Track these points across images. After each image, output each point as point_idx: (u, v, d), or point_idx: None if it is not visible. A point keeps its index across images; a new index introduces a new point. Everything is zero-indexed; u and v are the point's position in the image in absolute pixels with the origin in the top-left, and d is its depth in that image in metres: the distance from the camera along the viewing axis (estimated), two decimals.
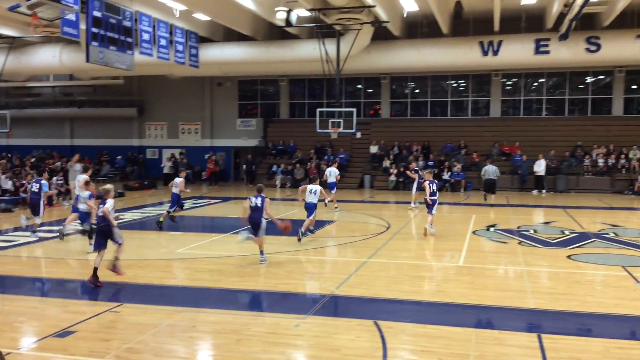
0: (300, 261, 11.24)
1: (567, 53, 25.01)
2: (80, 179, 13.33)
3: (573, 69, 29.02)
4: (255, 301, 8.57)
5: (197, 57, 25.04)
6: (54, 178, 21.89)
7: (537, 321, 7.64)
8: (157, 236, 14.23)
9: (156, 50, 21.20)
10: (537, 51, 25.08)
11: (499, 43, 25.39)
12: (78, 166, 18.74)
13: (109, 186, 9.42)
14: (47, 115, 35.19)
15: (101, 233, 9.18)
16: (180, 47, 22.88)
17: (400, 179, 26.60)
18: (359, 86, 32.92)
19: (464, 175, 26.42)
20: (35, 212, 13.76)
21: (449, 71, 30.03)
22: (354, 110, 24.03)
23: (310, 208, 13.64)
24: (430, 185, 14.03)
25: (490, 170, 20.95)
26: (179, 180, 15.17)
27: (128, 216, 17.40)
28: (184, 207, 17.05)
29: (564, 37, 23.55)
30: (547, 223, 16.85)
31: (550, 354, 6.30)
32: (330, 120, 23.80)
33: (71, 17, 16.31)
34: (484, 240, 13.57)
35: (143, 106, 34.77)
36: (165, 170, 30.53)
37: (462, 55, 26.01)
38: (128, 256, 12.01)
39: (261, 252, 10.88)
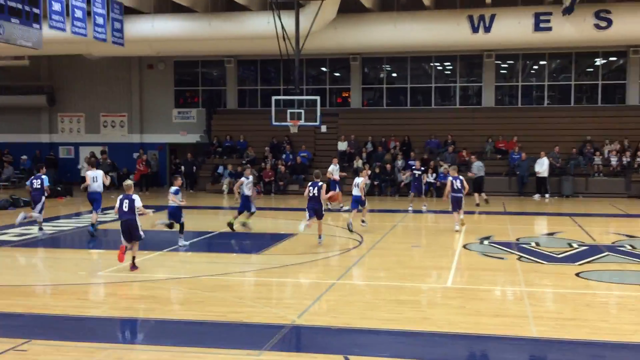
0: (254, 284, 11.21)
1: (573, 30, 25.61)
2: None
3: (580, 50, 29.74)
4: (199, 334, 8.50)
5: (121, 33, 24.68)
6: None
7: (540, 352, 7.77)
8: (74, 255, 13.97)
9: (70, 24, 20.80)
10: (537, 27, 25.61)
11: (492, 17, 25.85)
12: None
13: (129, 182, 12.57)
14: None
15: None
16: (100, 20, 22.51)
17: (376, 182, 26.78)
18: (324, 69, 33.04)
19: None
20: (38, 207, 16.53)
21: (433, 51, 30.42)
22: (318, 98, 24.09)
23: (355, 201, 16.92)
24: (455, 181, 16.71)
25: (477, 167, 22.14)
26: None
27: (36, 230, 17.04)
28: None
29: (568, 10, 24.10)
30: (551, 234, 17.20)
31: None
32: (289, 111, 23.79)
33: None
34: (476, 255, 13.76)
35: (54, 94, 34.16)
36: (84, 173, 30.00)
37: (448, 31, 26.37)
38: (36, 280, 11.77)
39: (319, 236, 15.00)
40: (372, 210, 22.14)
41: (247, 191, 16.94)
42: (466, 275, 11.74)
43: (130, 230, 11.95)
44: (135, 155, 31.86)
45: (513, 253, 13.78)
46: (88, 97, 33.91)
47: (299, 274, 12.24)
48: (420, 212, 21.57)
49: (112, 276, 11.74)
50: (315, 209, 14.82)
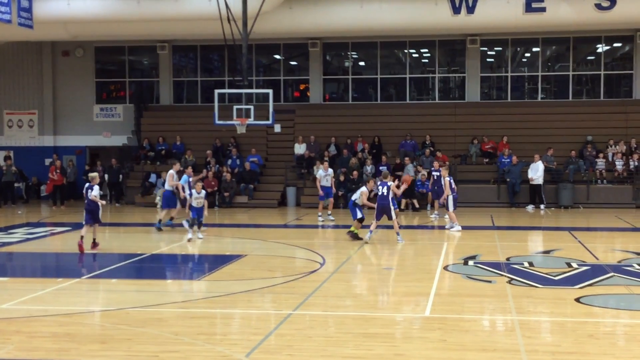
0: (194, 317, 11.11)
1: (570, 10, 26.09)
2: None
3: (579, 34, 30.31)
4: None
5: (30, 13, 24.36)
6: None
7: None
8: None
9: None
10: (529, 8, 26.03)
11: None
12: None
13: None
14: None
15: None
16: None
17: (341, 192, 26.82)
18: (277, 57, 33.08)
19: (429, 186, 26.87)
20: None
21: (407, 36, 30.68)
22: (270, 92, 24.06)
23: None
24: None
25: (408, 169, 25.51)
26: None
27: None
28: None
29: None
30: (547, 252, 17.42)
31: None
32: (235, 107, 23.71)
33: None
34: (459, 278, 13.86)
35: None
36: None
37: (425, 12, 26.64)
38: None
39: (398, 234, 18.26)
40: (336, 226, 22.19)
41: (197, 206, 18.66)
42: (448, 303, 11.80)
43: (94, 214, 17.09)
44: (47, 161, 31.41)
45: (503, 275, 13.91)
46: None
47: (248, 303, 12.18)
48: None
49: (17, 310, 11.52)
50: (385, 209, 17.89)
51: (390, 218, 18.15)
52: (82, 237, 17.04)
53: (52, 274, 15.92)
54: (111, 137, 32.80)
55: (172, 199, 20.87)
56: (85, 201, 17.32)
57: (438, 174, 23.74)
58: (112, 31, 28.38)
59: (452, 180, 21.42)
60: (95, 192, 17.10)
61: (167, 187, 20.93)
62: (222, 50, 29.76)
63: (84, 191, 17.34)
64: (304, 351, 9.05)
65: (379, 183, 18.53)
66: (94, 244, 17.21)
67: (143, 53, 33.93)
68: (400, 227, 19.24)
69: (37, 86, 33.29)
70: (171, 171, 20.80)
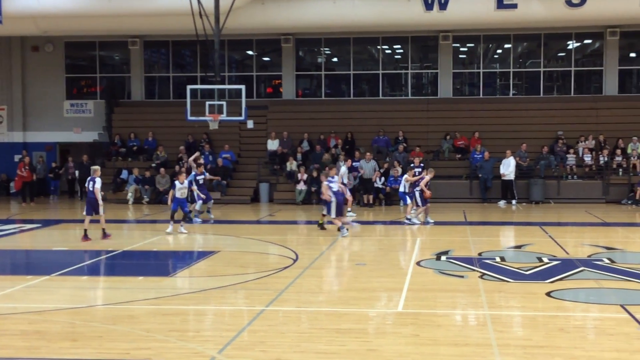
0: (165, 313, 11.06)
1: (541, 7, 26.31)
2: None
3: (550, 31, 30.58)
4: None
5: None
6: None
7: None
8: None
9: None
10: (500, 4, 26.21)
11: None
12: None
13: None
14: None
15: None
16: None
17: (314, 188, 26.84)
18: (250, 52, 33.00)
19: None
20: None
21: (380, 32, 30.76)
22: (243, 88, 24.03)
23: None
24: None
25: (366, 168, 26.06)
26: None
27: None
28: None
29: None
30: (518, 247, 17.55)
31: None
32: (208, 103, 23.65)
33: None
34: (432, 274, 13.92)
35: None
36: None
37: (397, 8, 26.73)
38: None
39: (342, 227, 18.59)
40: (309, 222, 22.17)
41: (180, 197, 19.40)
42: (420, 298, 11.85)
43: (93, 206, 18.00)
44: (16, 158, 31.13)
45: (475, 270, 13.99)
46: None
47: (221, 300, 12.14)
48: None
49: None
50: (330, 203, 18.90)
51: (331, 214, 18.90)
52: (85, 230, 18.00)
53: (21, 271, 15.77)
54: (82, 133, 32.57)
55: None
56: (87, 193, 18.38)
57: (419, 170, 23.65)
58: (82, 26, 28.15)
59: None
60: (98, 185, 18.05)
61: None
62: (194, 45, 29.63)
63: (87, 184, 18.34)
64: (277, 347, 9.04)
65: (327, 179, 19.04)
66: (105, 235, 18.23)
67: (114, 48, 33.69)
68: (374, 222, 19.29)
69: (6, 82, 32.97)
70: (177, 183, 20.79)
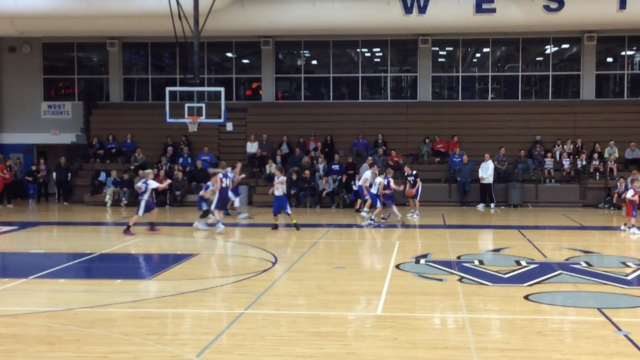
0: (143, 317, 11.00)
1: (519, 12, 26.49)
2: None
3: (528, 35, 30.81)
4: None
5: None
6: None
7: None
8: None
9: None
10: (479, 9, 26.37)
11: None
12: None
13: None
14: None
15: None
16: None
17: (293, 191, 26.82)
18: (230, 55, 32.96)
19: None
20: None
21: (359, 35, 30.82)
22: (222, 90, 23.99)
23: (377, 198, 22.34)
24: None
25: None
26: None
27: None
28: None
29: None
30: (496, 250, 17.64)
31: None
32: (187, 105, 23.59)
33: None
34: (411, 277, 13.95)
35: None
36: None
37: (377, 11, 26.81)
38: None
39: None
40: (288, 225, 22.16)
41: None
42: (399, 301, 11.87)
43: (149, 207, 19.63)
44: None
45: (453, 273, 14.05)
46: None
47: (200, 303, 12.11)
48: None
49: None
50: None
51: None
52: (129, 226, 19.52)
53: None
54: (59, 134, 32.35)
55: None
56: (139, 194, 19.69)
57: (412, 178, 24.20)
58: (60, 27, 28.01)
59: (387, 181, 22.45)
60: (153, 185, 19.58)
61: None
62: (173, 47, 29.55)
63: (141, 185, 19.57)
64: (255, 350, 9.03)
65: (221, 175, 20.27)
66: (152, 228, 19.86)
67: (92, 50, 33.52)
68: (351, 225, 19.24)
69: None
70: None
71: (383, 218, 22.77)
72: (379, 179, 22.50)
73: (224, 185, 20.14)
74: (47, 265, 15.16)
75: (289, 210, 20.44)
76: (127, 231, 19.49)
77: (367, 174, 23.93)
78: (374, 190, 22.50)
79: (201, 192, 21.91)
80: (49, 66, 33.22)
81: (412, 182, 24.27)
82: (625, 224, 20.62)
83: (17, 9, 25.93)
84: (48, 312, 11.12)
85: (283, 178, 20.54)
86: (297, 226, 20.30)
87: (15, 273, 14.82)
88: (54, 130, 32.45)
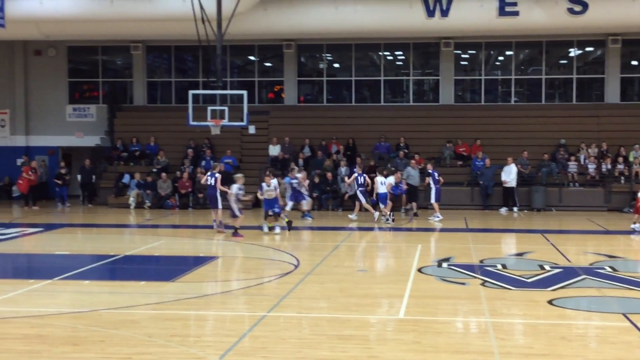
0: (167, 318, 11.05)
1: (543, 15, 26.33)
2: None
3: (552, 38, 30.58)
4: None
5: (2, 12, 24.19)
6: None
7: None
8: None
9: None
10: (502, 12, 26.23)
11: None
12: None
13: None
14: None
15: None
16: None
17: (315, 194, 26.83)
18: (252, 58, 33.03)
19: (404, 188, 26.88)
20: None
21: (381, 38, 30.77)
22: (245, 93, 23.98)
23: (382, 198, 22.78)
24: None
25: (414, 175, 26.13)
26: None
27: None
28: None
29: None
30: (520, 255, 17.55)
31: None
32: (210, 108, 23.61)
33: None
34: (433, 280, 13.92)
35: None
36: None
37: (399, 15, 26.76)
38: None
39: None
40: (311, 228, 22.18)
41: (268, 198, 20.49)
42: (422, 305, 11.85)
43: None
44: (19, 161, 31.14)
45: (476, 277, 13.99)
46: None
47: (222, 305, 12.15)
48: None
49: None
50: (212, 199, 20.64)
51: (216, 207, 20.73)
52: (236, 228, 19.67)
53: (23, 275, 15.77)
54: (84, 137, 32.54)
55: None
56: (208, 188, 20.70)
57: (436, 176, 24.93)
58: (85, 31, 28.19)
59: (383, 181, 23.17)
60: (235, 190, 19.88)
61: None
62: (197, 50, 29.65)
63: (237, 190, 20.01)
64: (278, 353, 9.04)
65: (208, 174, 20.88)
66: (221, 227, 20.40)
67: (116, 53, 33.70)
68: (372, 229, 19.24)
69: (8, 86, 32.95)
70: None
71: (383, 216, 22.91)
72: (390, 179, 23.43)
73: (209, 183, 20.58)
74: (72, 267, 15.27)
75: (277, 210, 20.51)
76: (235, 234, 19.61)
77: (390, 178, 23.88)
78: (382, 190, 22.95)
79: (258, 194, 21.91)
80: (74, 69, 33.43)
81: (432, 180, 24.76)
82: (635, 222, 21.02)
83: (43, 13, 26.14)
84: (73, 313, 11.20)
85: (275, 182, 20.78)
86: (271, 228, 20.48)
87: (40, 274, 14.95)
88: (79, 133, 32.66)
